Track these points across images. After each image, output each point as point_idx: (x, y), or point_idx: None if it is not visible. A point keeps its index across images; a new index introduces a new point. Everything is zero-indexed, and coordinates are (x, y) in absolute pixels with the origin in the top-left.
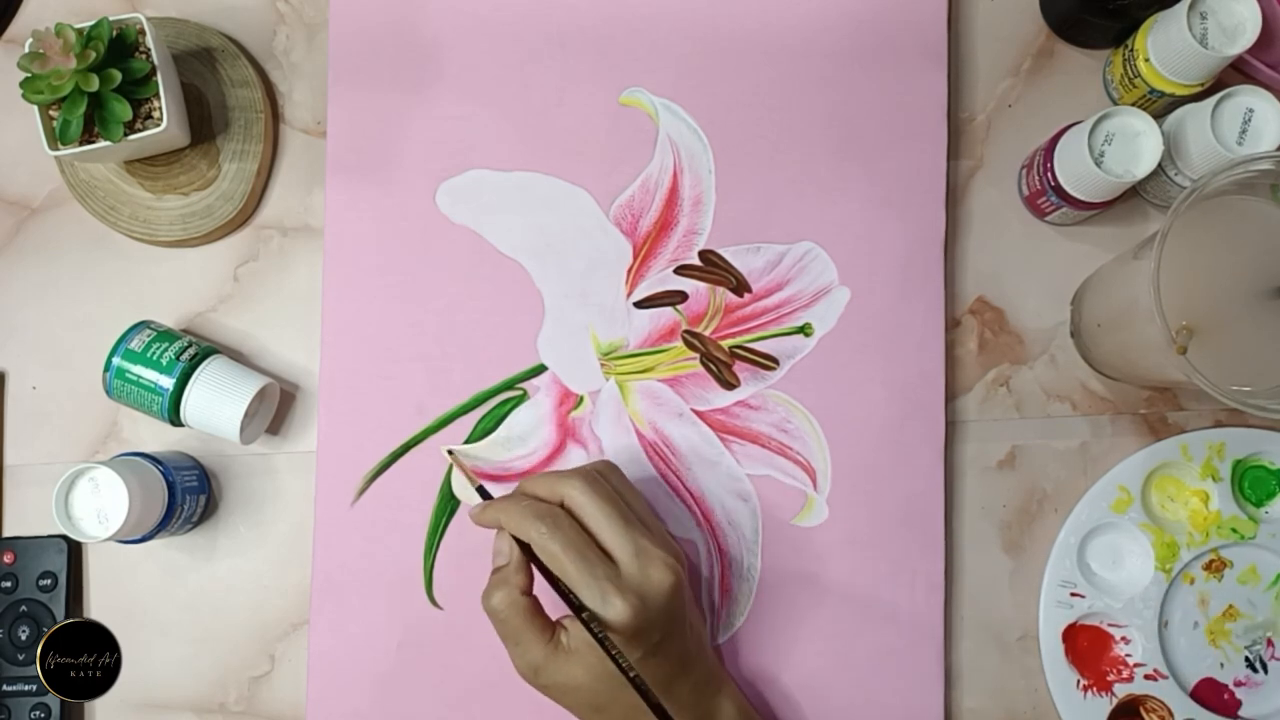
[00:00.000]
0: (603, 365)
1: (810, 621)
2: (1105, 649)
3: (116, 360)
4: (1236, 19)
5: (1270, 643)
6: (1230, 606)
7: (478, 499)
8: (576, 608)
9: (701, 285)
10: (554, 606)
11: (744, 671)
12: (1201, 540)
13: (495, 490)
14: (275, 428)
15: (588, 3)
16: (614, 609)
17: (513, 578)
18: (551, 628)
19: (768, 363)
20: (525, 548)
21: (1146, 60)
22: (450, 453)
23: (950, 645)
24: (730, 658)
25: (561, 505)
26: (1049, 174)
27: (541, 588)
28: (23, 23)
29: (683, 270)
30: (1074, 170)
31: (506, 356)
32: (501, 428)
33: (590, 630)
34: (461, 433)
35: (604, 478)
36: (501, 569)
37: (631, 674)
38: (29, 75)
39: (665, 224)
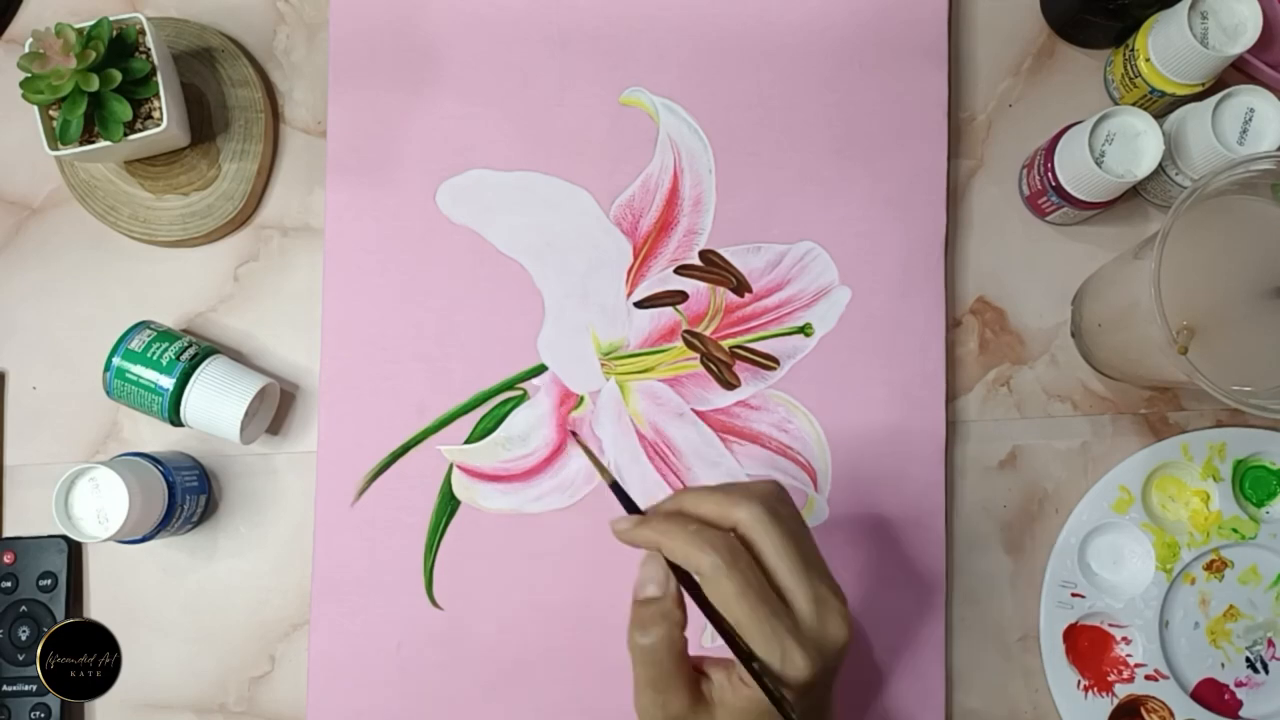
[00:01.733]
0: (603, 365)
1: None
2: (1106, 649)
3: (116, 360)
4: (1237, 18)
5: (1271, 643)
6: (1231, 607)
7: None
8: (746, 657)
9: (702, 285)
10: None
11: None
12: (1202, 540)
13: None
14: (275, 428)
15: (589, 2)
16: (794, 666)
17: (672, 613)
18: (696, 675)
19: (768, 363)
20: (684, 578)
21: (1147, 60)
22: (574, 434)
23: (951, 645)
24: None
25: (733, 531)
26: (1050, 174)
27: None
28: (23, 23)
29: (683, 270)
30: (1075, 170)
31: (507, 356)
32: (501, 428)
33: (764, 686)
34: (461, 433)
35: (780, 502)
36: (655, 601)
37: None
38: (29, 75)
39: (666, 224)
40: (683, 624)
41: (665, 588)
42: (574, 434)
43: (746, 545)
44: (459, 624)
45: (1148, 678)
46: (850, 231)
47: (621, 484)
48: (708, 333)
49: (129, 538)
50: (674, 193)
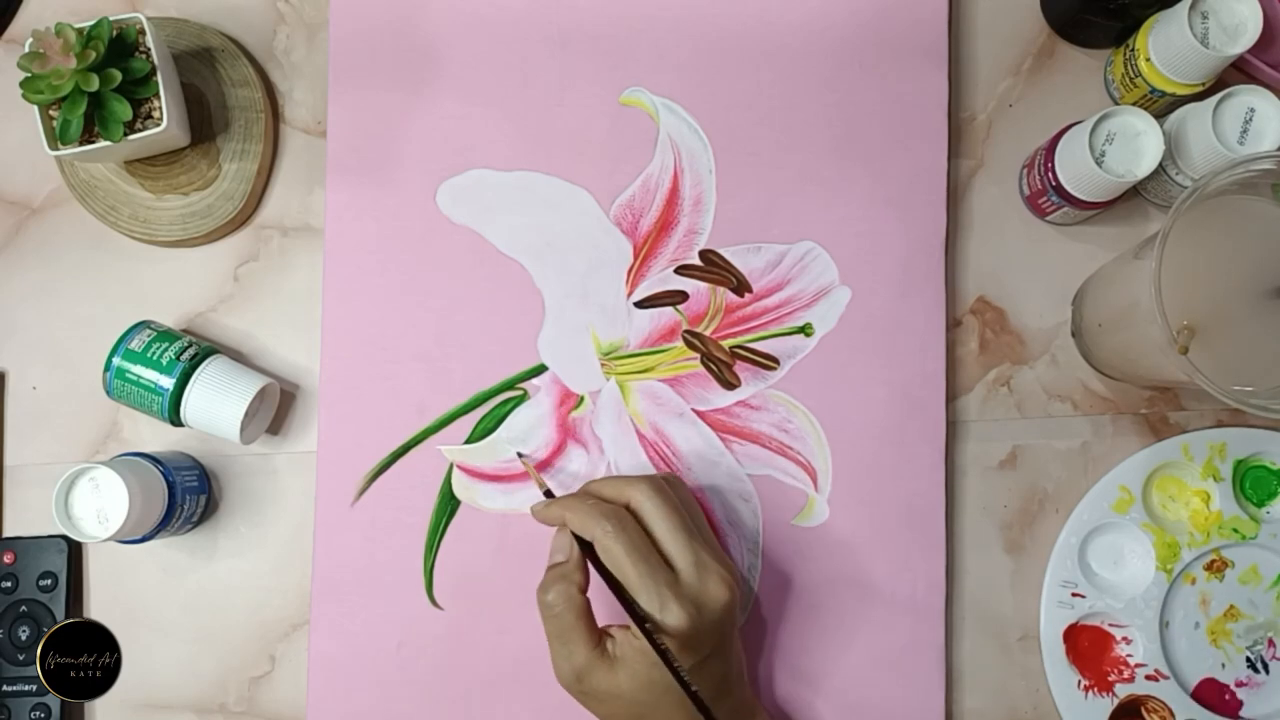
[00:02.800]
0: (603, 365)
1: (811, 622)
2: (1106, 649)
3: (116, 360)
4: (1237, 18)
5: (1271, 643)
6: (1231, 607)
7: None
8: (633, 610)
9: (702, 285)
10: (605, 615)
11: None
12: (1203, 540)
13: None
14: (275, 428)
15: (589, 2)
16: (671, 615)
17: (572, 575)
18: (599, 633)
19: (768, 363)
20: (586, 547)
21: (1147, 60)
22: (521, 456)
23: (951, 645)
24: None
25: (626, 508)
26: (1050, 174)
27: (595, 594)
28: (23, 23)
29: (683, 270)
30: (1075, 170)
31: (507, 356)
32: (502, 428)
33: (646, 634)
34: (461, 433)
35: (670, 486)
36: (560, 565)
37: (686, 678)
38: (29, 75)
39: (666, 224)
40: (582, 586)
41: (569, 554)
42: (520, 455)
43: (637, 518)
44: (459, 624)
45: (1148, 678)
46: (850, 231)
47: (554, 492)
48: (708, 333)
49: (129, 538)
50: (674, 193)
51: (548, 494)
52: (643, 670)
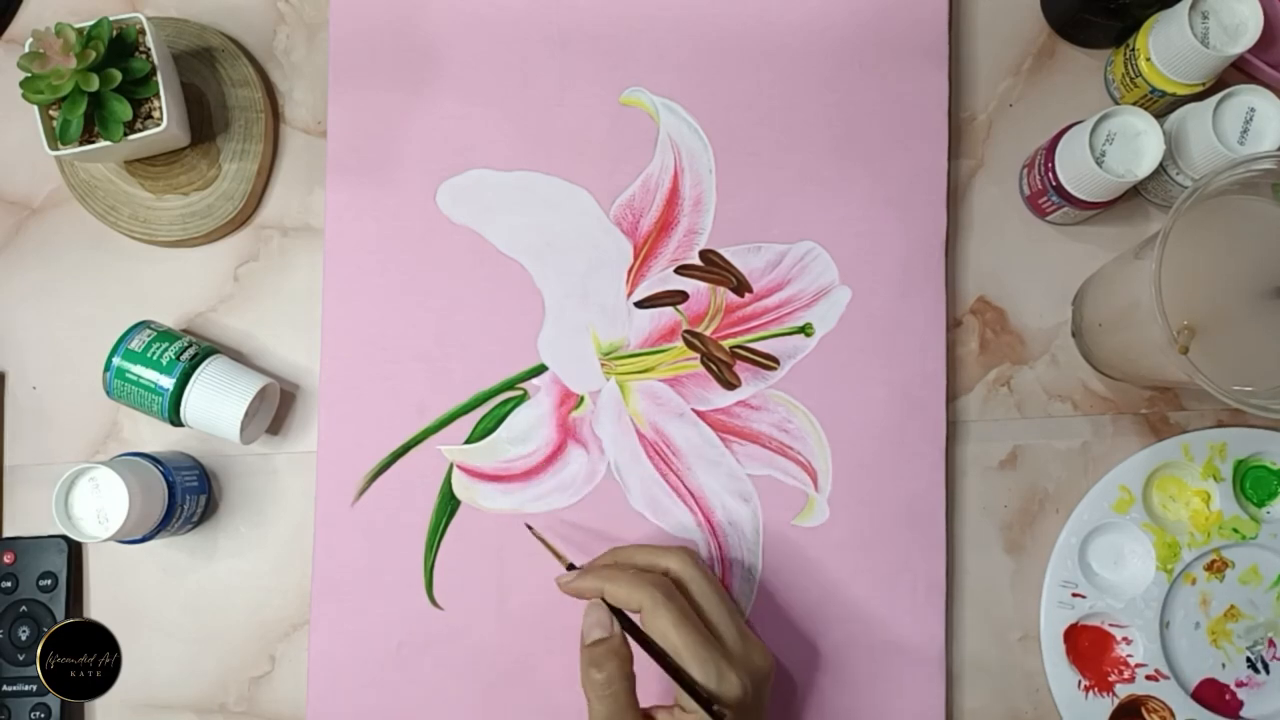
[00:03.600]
0: (603, 365)
1: (811, 622)
2: (1107, 649)
3: (116, 360)
4: (1238, 18)
5: (1272, 643)
6: (1232, 607)
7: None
8: (688, 683)
9: (702, 285)
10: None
11: None
12: (1203, 540)
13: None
14: (275, 428)
15: (589, 2)
16: (730, 685)
17: (620, 649)
18: (643, 713)
19: (768, 363)
20: (625, 621)
21: (1148, 60)
22: (530, 528)
23: (951, 645)
24: None
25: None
26: (1050, 173)
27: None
28: (23, 23)
29: (683, 270)
30: (1075, 170)
31: (507, 356)
32: (502, 428)
33: (706, 708)
34: (462, 433)
35: (700, 557)
36: (603, 642)
37: None
38: (29, 75)
39: (666, 224)
40: (631, 660)
41: (610, 629)
42: (529, 526)
43: (679, 588)
44: (459, 624)
45: (1148, 678)
46: (850, 231)
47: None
48: (708, 333)
49: (129, 538)
50: (674, 193)
51: (570, 568)
52: None
